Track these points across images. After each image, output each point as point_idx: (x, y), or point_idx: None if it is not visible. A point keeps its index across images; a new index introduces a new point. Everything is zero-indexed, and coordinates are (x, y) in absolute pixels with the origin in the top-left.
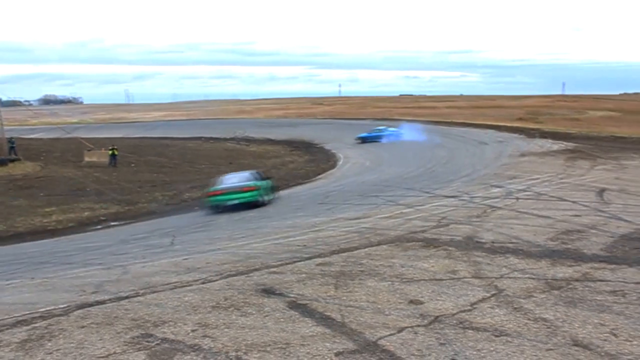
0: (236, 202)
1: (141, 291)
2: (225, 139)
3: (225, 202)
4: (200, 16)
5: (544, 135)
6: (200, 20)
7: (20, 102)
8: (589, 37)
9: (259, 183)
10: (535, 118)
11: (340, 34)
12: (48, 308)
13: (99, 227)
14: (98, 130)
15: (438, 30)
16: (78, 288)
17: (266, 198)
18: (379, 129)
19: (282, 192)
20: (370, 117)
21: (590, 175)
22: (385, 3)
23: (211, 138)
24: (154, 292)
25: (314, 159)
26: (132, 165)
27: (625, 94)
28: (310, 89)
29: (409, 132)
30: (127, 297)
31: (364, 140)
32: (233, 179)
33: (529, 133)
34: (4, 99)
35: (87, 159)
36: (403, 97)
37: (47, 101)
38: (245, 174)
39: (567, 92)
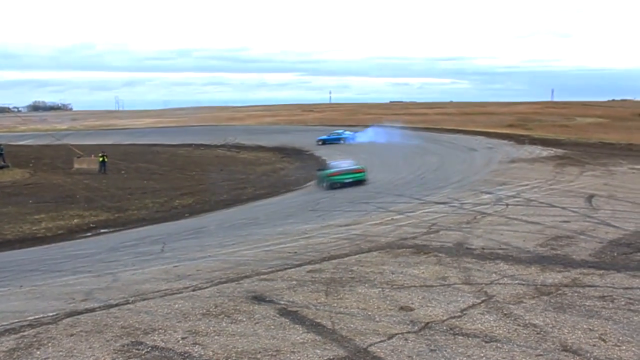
0: (351, 180)
1: (131, 299)
2: (216, 146)
3: (343, 180)
4: (191, 23)
5: (533, 141)
6: (192, 27)
7: (9, 108)
8: (577, 44)
9: (363, 167)
10: (524, 125)
11: (331, 41)
12: (37, 316)
13: (89, 234)
14: (88, 137)
15: (428, 37)
16: (67, 296)
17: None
18: (337, 132)
19: (272, 199)
20: (362, 124)
21: (579, 182)
22: (375, 10)
23: (202, 145)
24: (144, 299)
25: (304, 166)
26: (122, 172)
27: (613, 100)
28: (300, 95)
29: (374, 135)
30: (116, 305)
31: (324, 142)
32: (344, 164)
33: (519, 139)
34: None
35: (76, 165)
36: (394, 104)
37: (36, 107)
38: (350, 160)
39: (556, 99)
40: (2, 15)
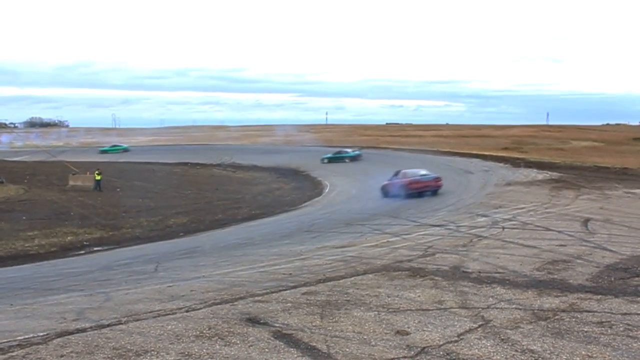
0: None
1: (123, 319)
2: (212, 165)
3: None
4: (188, 43)
5: (529, 164)
6: (189, 46)
7: (5, 124)
8: (570, 68)
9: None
10: (520, 148)
11: (326, 63)
12: (27, 336)
13: (82, 252)
14: (83, 153)
15: (422, 60)
16: (58, 315)
17: None
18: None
19: (267, 219)
20: (357, 145)
21: (574, 205)
22: (370, 33)
23: (197, 164)
24: (137, 320)
25: (300, 187)
26: (118, 189)
27: (607, 124)
28: (296, 116)
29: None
30: (108, 325)
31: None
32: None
33: (514, 162)
34: None
35: (71, 182)
36: (390, 126)
37: (32, 124)
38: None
39: (551, 122)
40: (1, 32)
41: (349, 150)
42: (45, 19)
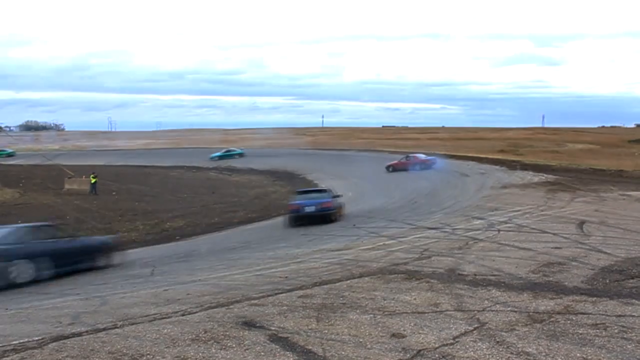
0: None
1: (119, 323)
2: (208, 169)
3: None
4: (184, 46)
5: (524, 167)
6: (185, 50)
7: (0, 127)
8: (566, 71)
9: None
10: (516, 150)
11: (322, 66)
12: (22, 340)
13: None
14: (79, 157)
15: (418, 62)
16: (54, 319)
17: None
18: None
19: (264, 223)
20: (354, 148)
21: (570, 208)
22: (366, 36)
23: (194, 167)
24: (133, 324)
25: (296, 189)
26: (113, 193)
27: (603, 127)
28: (292, 119)
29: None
30: (104, 329)
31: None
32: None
33: (510, 165)
34: None
35: (67, 186)
36: (386, 129)
37: (28, 127)
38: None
39: (546, 125)
40: None
41: (236, 149)
42: (42, 22)
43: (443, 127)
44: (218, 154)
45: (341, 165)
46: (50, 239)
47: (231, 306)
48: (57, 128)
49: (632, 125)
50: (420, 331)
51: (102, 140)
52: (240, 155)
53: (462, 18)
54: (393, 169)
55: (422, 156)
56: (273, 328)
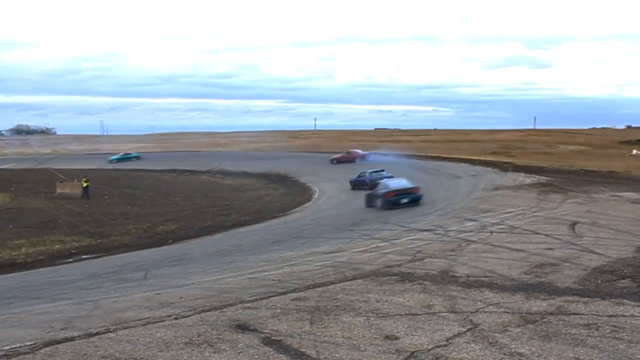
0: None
1: (112, 327)
2: (201, 172)
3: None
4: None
5: (516, 169)
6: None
7: None
8: (557, 73)
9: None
10: (508, 152)
11: (314, 69)
12: (14, 346)
13: (70, 260)
14: (71, 161)
15: (410, 65)
16: (46, 324)
17: None
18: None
19: (257, 226)
20: (346, 150)
21: (562, 209)
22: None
23: (186, 170)
24: (126, 328)
25: (289, 192)
26: (106, 197)
27: (594, 128)
28: (285, 122)
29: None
30: (97, 334)
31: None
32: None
33: (502, 167)
34: None
35: (59, 190)
36: (378, 131)
37: (19, 131)
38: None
39: (538, 126)
40: None
41: (132, 152)
42: (32, 25)
43: (435, 129)
44: (117, 156)
45: (335, 168)
46: None
47: (224, 309)
48: (48, 132)
49: (623, 127)
50: (414, 333)
51: (95, 144)
52: (137, 158)
53: (453, 21)
54: (337, 161)
55: (360, 152)
56: (266, 331)
